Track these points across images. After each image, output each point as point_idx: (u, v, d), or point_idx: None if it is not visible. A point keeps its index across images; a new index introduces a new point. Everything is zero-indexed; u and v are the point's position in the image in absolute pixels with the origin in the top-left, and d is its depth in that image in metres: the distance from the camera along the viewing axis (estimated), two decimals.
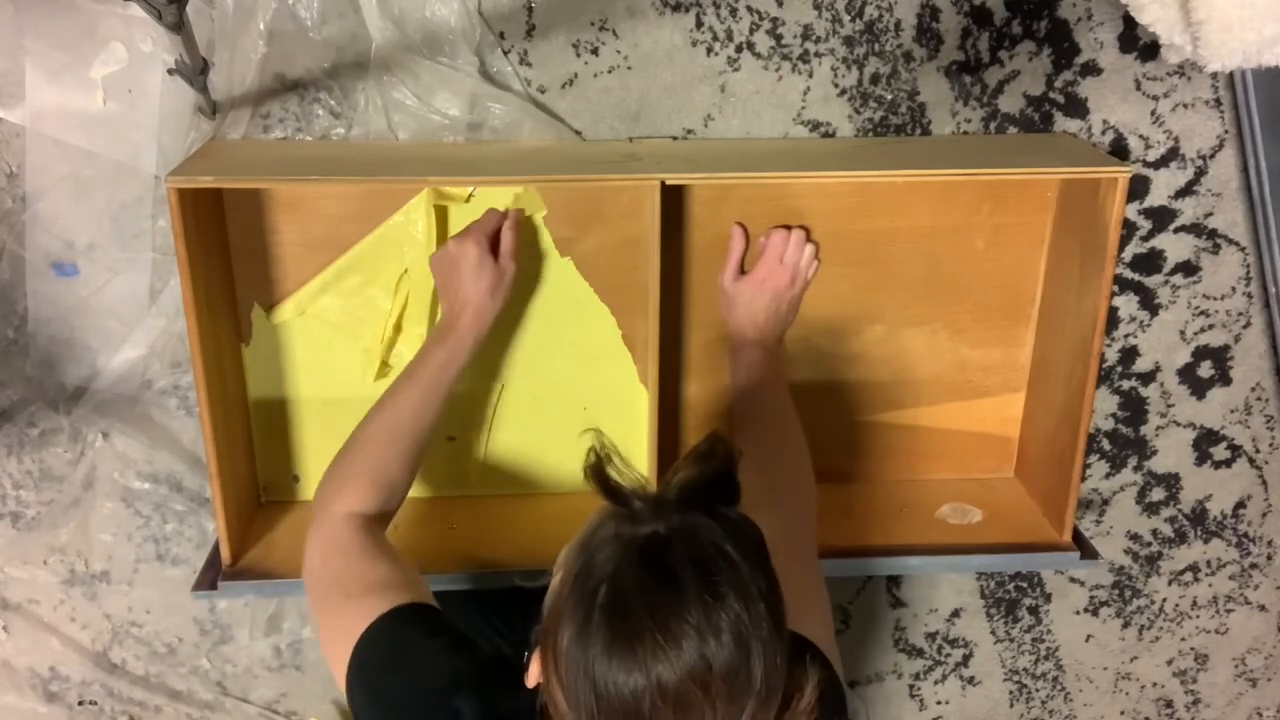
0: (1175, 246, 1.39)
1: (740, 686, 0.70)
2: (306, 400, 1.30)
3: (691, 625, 0.69)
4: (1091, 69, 1.29)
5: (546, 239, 1.26)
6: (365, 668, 0.91)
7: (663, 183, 1.13)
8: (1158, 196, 1.36)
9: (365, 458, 1.09)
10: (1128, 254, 1.39)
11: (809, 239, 1.27)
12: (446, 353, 1.13)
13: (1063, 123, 1.31)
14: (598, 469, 0.76)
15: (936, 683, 1.67)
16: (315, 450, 1.33)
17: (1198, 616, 1.65)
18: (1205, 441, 1.52)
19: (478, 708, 0.86)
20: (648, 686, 0.69)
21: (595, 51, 1.23)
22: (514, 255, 1.17)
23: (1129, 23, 1.26)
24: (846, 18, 1.24)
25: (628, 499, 0.75)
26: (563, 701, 0.73)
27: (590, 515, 0.77)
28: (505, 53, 1.22)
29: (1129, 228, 1.37)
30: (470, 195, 1.22)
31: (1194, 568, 1.61)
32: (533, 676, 0.79)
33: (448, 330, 1.14)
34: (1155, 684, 1.71)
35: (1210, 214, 1.38)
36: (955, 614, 1.62)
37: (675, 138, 1.27)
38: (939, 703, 1.69)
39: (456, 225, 1.23)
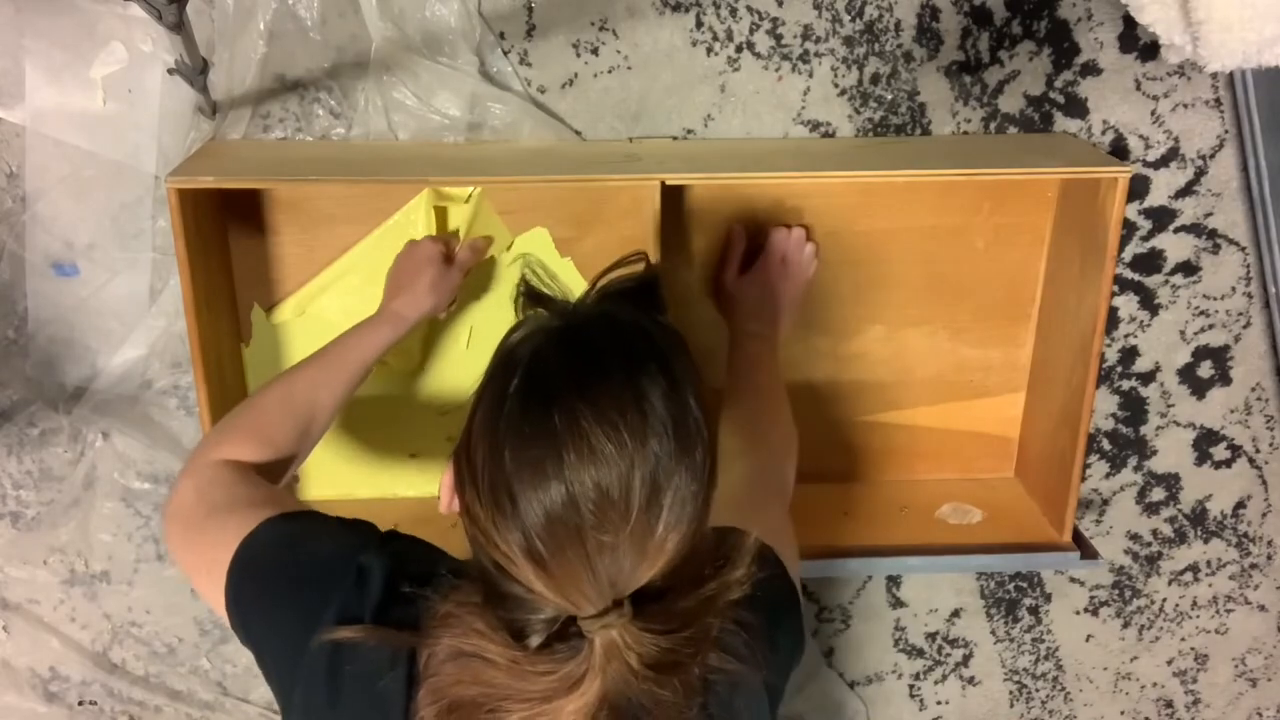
0: (1175, 246, 1.39)
1: (684, 437, 0.68)
2: None
3: (614, 396, 0.66)
4: (1091, 69, 1.29)
5: (547, 239, 1.26)
6: (251, 564, 0.83)
7: (663, 183, 1.13)
8: (1158, 196, 1.36)
9: (251, 416, 1.02)
10: (1128, 254, 1.39)
11: (809, 239, 1.27)
12: (359, 332, 1.10)
13: (1063, 123, 1.31)
14: (524, 284, 0.75)
15: (936, 683, 1.67)
16: (315, 450, 1.32)
17: (1198, 616, 1.65)
18: (1205, 441, 1.52)
19: (386, 564, 0.79)
20: (572, 469, 0.65)
21: (595, 51, 1.23)
22: (464, 270, 1.18)
23: (1129, 23, 1.26)
24: (846, 18, 1.24)
25: (549, 300, 0.74)
26: (481, 513, 0.68)
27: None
28: (505, 53, 1.22)
29: (1129, 228, 1.37)
30: (470, 196, 1.22)
31: (1194, 568, 1.61)
32: (445, 499, 0.74)
33: (379, 314, 1.13)
34: (1155, 684, 1.71)
35: (1210, 214, 1.38)
36: (955, 614, 1.62)
37: (675, 138, 1.27)
38: (939, 703, 1.69)
39: (456, 225, 1.23)
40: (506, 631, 0.69)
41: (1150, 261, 1.40)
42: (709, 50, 1.24)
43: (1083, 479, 1.41)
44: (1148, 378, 1.47)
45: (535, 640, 0.68)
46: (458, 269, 1.17)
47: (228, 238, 1.22)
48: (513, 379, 0.69)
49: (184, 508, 0.92)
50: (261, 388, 1.06)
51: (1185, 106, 1.31)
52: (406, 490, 1.36)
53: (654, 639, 0.67)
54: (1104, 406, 1.48)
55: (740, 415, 1.17)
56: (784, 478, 1.11)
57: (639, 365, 0.69)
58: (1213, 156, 1.34)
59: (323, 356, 1.08)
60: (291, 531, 0.85)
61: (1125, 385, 1.47)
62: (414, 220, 1.21)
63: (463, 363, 1.30)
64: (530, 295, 0.75)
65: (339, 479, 1.34)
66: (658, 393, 0.68)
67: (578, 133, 1.26)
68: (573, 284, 1.27)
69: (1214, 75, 1.29)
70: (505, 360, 0.71)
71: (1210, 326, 1.44)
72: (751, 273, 1.26)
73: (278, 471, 1.00)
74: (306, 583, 0.81)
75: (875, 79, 1.27)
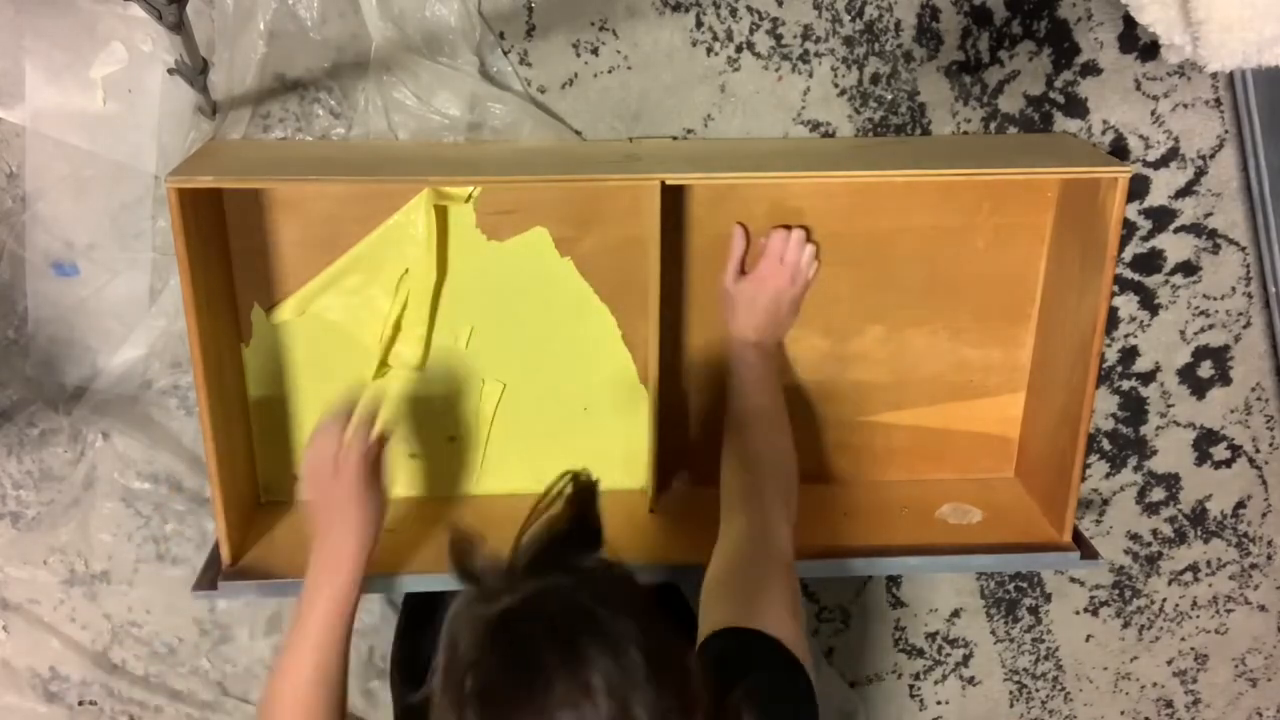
0: (1175, 246, 1.39)
1: (639, 699, 0.68)
2: (306, 400, 1.30)
3: (560, 699, 0.67)
4: (1091, 69, 1.29)
5: (547, 239, 1.26)
6: None
7: (663, 183, 1.13)
8: (1158, 196, 1.36)
9: None
10: (1128, 254, 1.39)
11: (809, 239, 1.27)
12: (334, 594, 1.03)
13: (1063, 123, 1.31)
14: (452, 548, 0.75)
15: (936, 683, 1.67)
16: None
17: (1198, 616, 1.65)
18: (1205, 441, 1.52)
19: None
20: None
21: (595, 51, 1.23)
22: (388, 479, 1.12)
23: (1129, 23, 1.26)
24: (846, 18, 1.24)
25: (478, 577, 0.74)
26: None
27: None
28: (505, 53, 1.22)
29: (1129, 228, 1.37)
30: (470, 195, 1.22)
31: (1194, 568, 1.61)
32: None
33: (332, 562, 1.05)
34: (1155, 684, 1.71)
35: (1210, 214, 1.38)
36: (955, 614, 1.62)
37: (675, 138, 1.27)
38: (939, 703, 1.69)
39: (456, 225, 1.23)
40: None
41: (1150, 261, 1.40)
42: (709, 50, 1.24)
43: (1083, 479, 1.41)
44: (1148, 378, 1.47)
45: None
46: (385, 476, 1.11)
47: (228, 238, 1.22)
48: (464, 688, 0.70)
49: None
50: (271, 696, 1.02)
51: (1185, 106, 1.31)
52: (406, 490, 1.36)
53: None
54: (1104, 406, 1.48)
55: (741, 449, 1.17)
56: (781, 538, 1.09)
57: (579, 656, 0.68)
58: (1213, 156, 1.34)
59: (312, 639, 1.02)
60: None
61: (1125, 385, 1.47)
62: (414, 220, 1.21)
63: (462, 363, 1.30)
64: (455, 565, 0.75)
65: None
66: (601, 675, 0.68)
67: (578, 132, 1.26)
68: (573, 284, 1.28)
69: (1214, 75, 1.29)
70: (451, 660, 0.72)
71: (1210, 326, 1.44)
72: (752, 274, 1.26)
73: None
74: None
75: (875, 79, 1.27)
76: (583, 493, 0.78)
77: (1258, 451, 1.53)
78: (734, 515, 1.10)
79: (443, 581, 1.23)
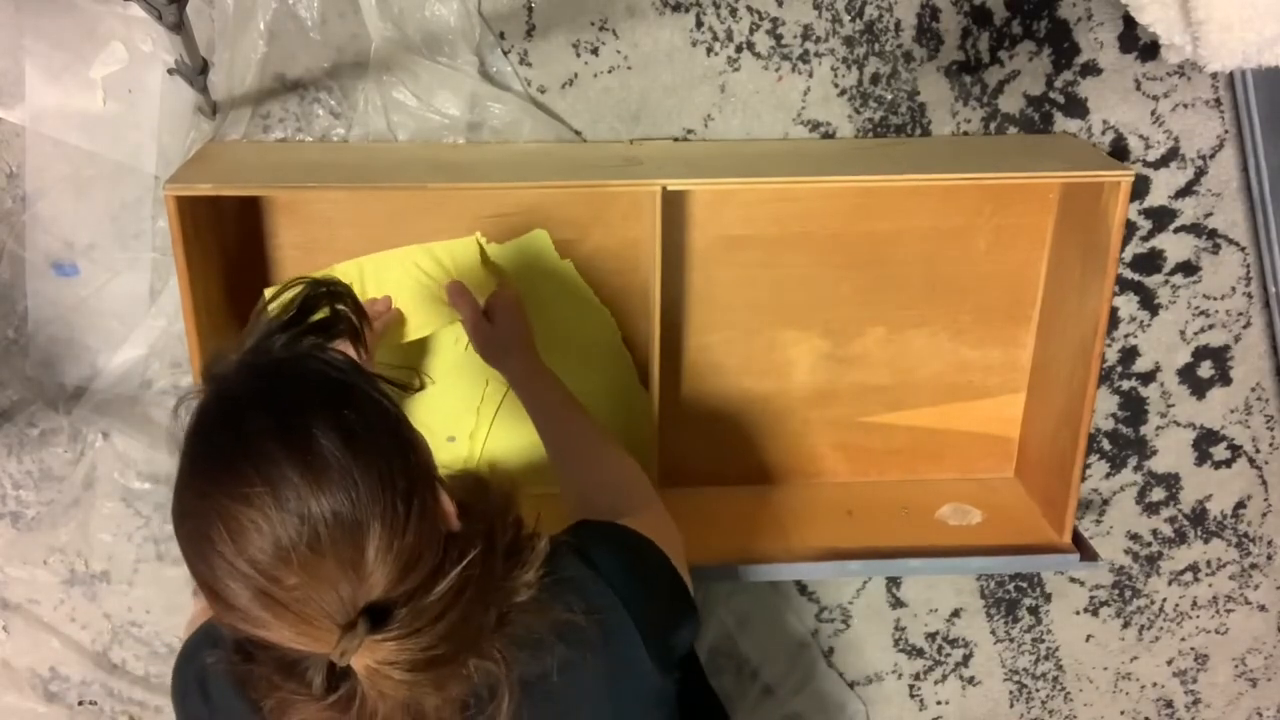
0: (1175, 246, 1.39)
1: (365, 466, 0.70)
2: None
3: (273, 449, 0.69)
4: (1091, 69, 1.28)
5: (547, 241, 1.26)
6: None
7: (664, 188, 1.13)
8: (1158, 196, 1.36)
9: None
10: (1128, 254, 1.39)
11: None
12: None
13: (1063, 123, 1.31)
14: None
15: (936, 683, 1.67)
16: None
17: (1198, 616, 1.65)
18: (1205, 441, 1.52)
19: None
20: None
21: (595, 51, 1.23)
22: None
23: (1129, 23, 1.26)
24: (846, 18, 1.24)
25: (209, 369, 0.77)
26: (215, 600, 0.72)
27: None
28: (505, 53, 1.22)
29: (1129, 228, 1.37)
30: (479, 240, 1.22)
31: (1194, 568, 1.61)
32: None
33: None
34: (1155, 684, 1.71)
35: (1210, 214, 1.38)
36: (955, 614, 1.62)
37: (675, 138, 1.27)
38: (939, 703, 1.69)
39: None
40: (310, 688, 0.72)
41: (1150, 261, 1.40)
42: (709, 50, 1.24)
43: (1083, 479, 1.41)
44: (1148, 378, 1.47)
45: (320, 688, 0.71)
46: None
47: (227, 240, 1.22)
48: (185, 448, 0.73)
49: None
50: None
51: (1185, 106, 1.31)
52: None
53: (401, 645, 0.70)
54: (1104, 406, 1.48)
55: (563, 452, 1.14)
56: (597, 453, 1.10)
57: (291, 418, 0.71)
58: (1213, 156, 1.34)
59: None
60: None
61: (1125, 385, 1.47)
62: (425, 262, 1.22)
63: (462, 363, 1.30)
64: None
65: None
66: (323, 435, 0.70)
67: (578, 133, 1.26)
68: (574, 286, 1.28)
69: (1214, 75, 1.29)
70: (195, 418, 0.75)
71: (1210, 326, 1.44)
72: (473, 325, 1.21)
73: None
74: None
75: (875, 79, 1.27)
76: (311, 293, 0.80)
77: (1258, 451, 1.53)
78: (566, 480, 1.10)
79: None
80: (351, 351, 0.87)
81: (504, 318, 1.18)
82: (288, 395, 0.73)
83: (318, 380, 0.75)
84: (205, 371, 0.77)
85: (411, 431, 0.78)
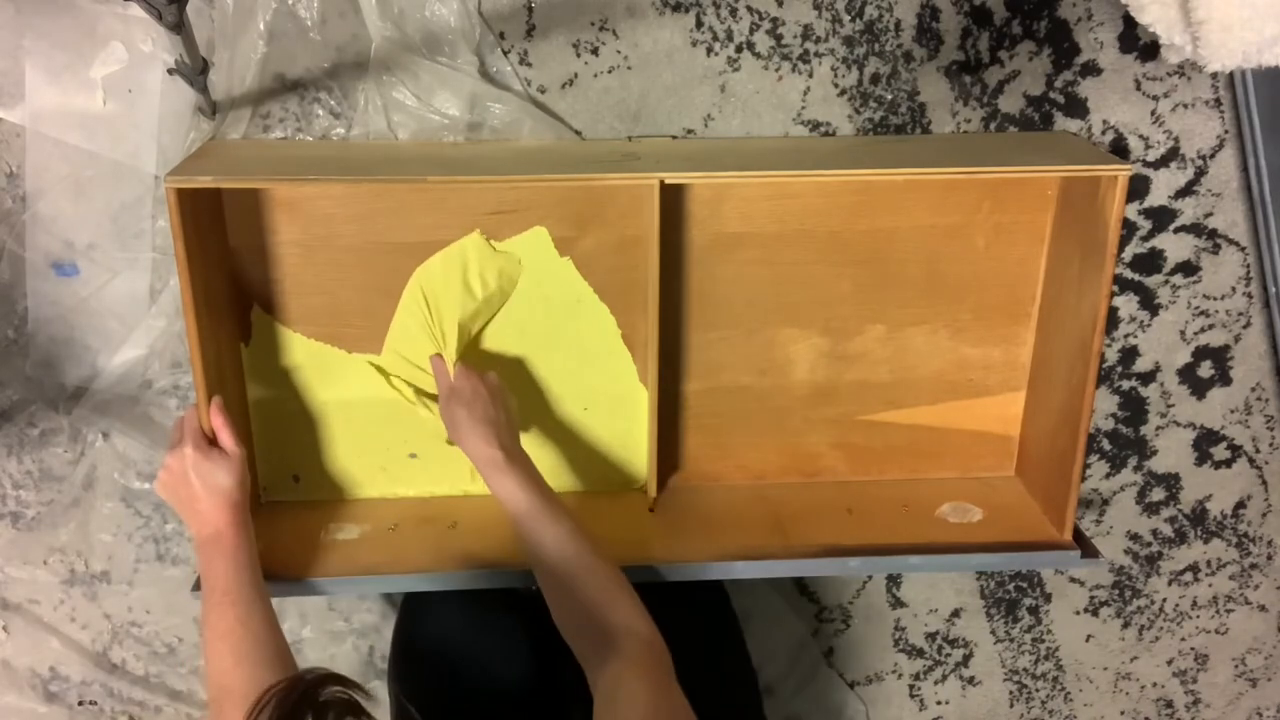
0: (1175, 246, 1.39)
1: None
2: (306, 400, 1.30)
3: None
4: (1091, 69, 1.29)
5: (546, 239, 1.26)
6: None
7: (662, 182, 1.13)
8: (1158, 196, 1.36)
9: (229, 686, 1.01)
10: (1128, 254, 1.39)
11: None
12: (227, 559, 1.08)
13: (1063, 123, 1.31)
14: None
15: (936, 683, 1.67)
16: (315, 450, 1.33)
17: (1198, 616, 1.65)
18: (1205, 441, 1.52)
19: None
20: None
21: (595, 51, 1.23)
22: (235, 438, 1.15)
23: (1129, 23, 1.26)
24: (846, 18, 1.24)
25: None
26: None
27: None
28: (505, 53, 1.22)
29: (1129, 227, 1.37)
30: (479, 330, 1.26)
31: (1194, 568, 1.61)
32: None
33: (214, 536, 1.10)
34: (1155, 684, 1.71)
35: (1210, 214, 1.38)
36: (955, 614, 1.62)
37: (675, 137, 1.27)
38: (939, 703, 1.69)
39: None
40: None
41: (1150, 261, 1.40)
42: (709, 50, 1.24)
43: (1083, 479, 1.41)
44: (1148, 378, 1.47)
45: None
46: (227, 441, 1.15)
47: (227, 237, 1.22)
48: None
49: None
50: (209, 654, 1.04)
51: (1185, 106, 1.31)
52: (406, 490, 1.36)
53: None
54: (1104, 406, 1.48)
55: (537, 564, 1.07)
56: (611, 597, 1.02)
57: None
58: (1213, 156, 1.34)
59: (223, 598, 1.06)
60: None
61: (1125, 385, 1.47)
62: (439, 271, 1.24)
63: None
64: None
65: (339, 479, 1.35)
66: None
67: (578, 132, 1.26)
68: (572, 283, 1.28)
69: (1214, 75, 1.29)
70: None
71: (1210, 326, 1.44)
72: (448, 390, 1.21)
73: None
74: None
75: (875, 79, 1.27)
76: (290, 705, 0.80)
77: (1258, 451, 1.53)
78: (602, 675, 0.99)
79: (443, 581, 1.23)
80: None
81: (468, 399, 1.16)
82: None
83: None
84: None
85: None
